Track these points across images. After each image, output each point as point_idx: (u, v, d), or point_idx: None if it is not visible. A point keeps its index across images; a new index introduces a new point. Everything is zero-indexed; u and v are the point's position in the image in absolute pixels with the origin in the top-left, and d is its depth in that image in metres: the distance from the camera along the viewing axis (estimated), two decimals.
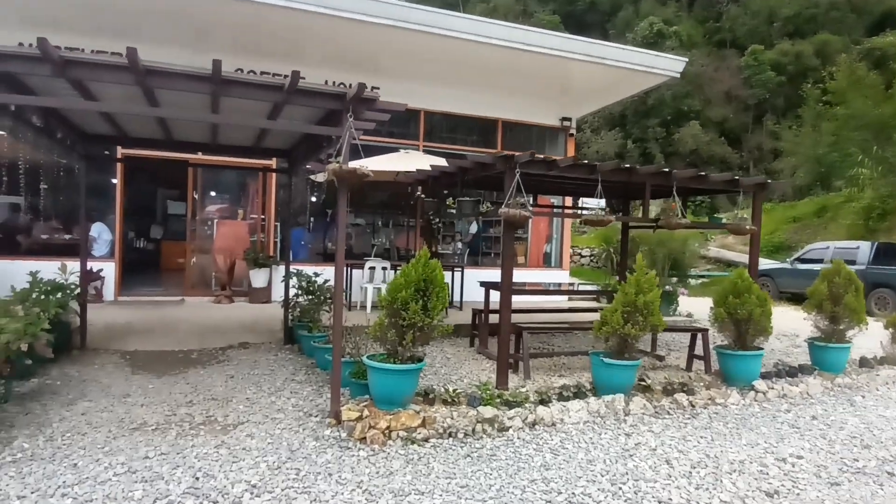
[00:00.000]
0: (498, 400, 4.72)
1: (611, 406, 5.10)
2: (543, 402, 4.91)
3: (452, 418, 4.43)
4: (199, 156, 9.90)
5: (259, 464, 3.79)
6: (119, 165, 9.76)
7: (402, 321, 4.33)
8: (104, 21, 8.36)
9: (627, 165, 6.11)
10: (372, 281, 9.75)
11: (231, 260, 10.19)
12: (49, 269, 7.08)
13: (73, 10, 8.14)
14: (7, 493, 3.22)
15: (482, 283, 7.51)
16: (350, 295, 10.16)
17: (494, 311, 7.51)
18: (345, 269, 4.40)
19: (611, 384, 5.31)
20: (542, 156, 5.55)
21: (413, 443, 4.20)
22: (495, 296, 7.25)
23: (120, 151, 9.52)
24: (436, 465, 3.90)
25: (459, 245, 12.55)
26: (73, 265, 7.19)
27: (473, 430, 4.41)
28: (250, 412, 4.86)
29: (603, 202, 13.77)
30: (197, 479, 3.53)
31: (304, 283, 7.60)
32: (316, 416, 4.72)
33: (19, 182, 9.50)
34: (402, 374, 4.35)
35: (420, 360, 4.52)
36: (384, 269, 9.81)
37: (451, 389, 4.76)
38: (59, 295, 6.47)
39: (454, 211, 11.66)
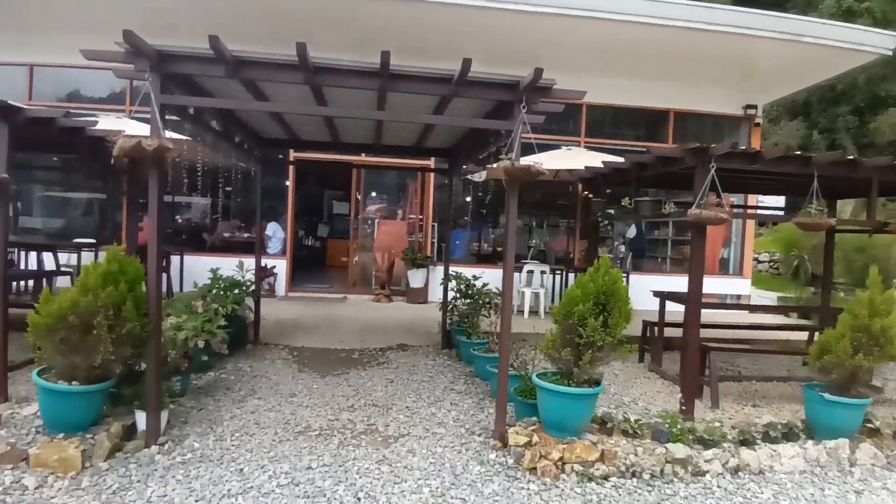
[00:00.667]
0: (690, 437, 4.02)
1: (833, 454, 4.15)
2: (746, 442, 4.11)
3: (636, 455, 3.83)
4: (363, 157, 10.12)
5: (422, 487, 3.49)
6: (291, 168, 10.26)
7: (578, 338, 3.81)
8: (277, 29, 8.74)
9: (851, 157, 5.03)
10: (530, 285, 9.29)
11: (390, 259, 10.29)
12: (229, 265, 7.52)
13: (250, 20, 8.60)
14: (171, 499, 3.21)
15: (657, 294, 6.72)
16: None
17: (669, 325, 6.71)
18: (506, 273, 3.96)
19: (831, 426, 4.34)
20: (742, 147, 4.71)
21: (590, 480, 3.67)
22: (670, 307, 6.46)
23: (292, 155, 10.01)
24: None
25: (622, 248, 11.66)
26: (249, 262, 7.57)
27: (661, 471, 3.77)
28: (410, 423, 4.63)
29: (783, 200, 11.98)
30: (358, 499, 3.31)
31: (462, 286, 7.35)
32: (479, 435, 4.36)
33: (205, 184, 10.35)
34: (578, 398, 3.83)
35: (598, 383, 3.97)
36: (542, 272, 9.30)
37: (632, 419, 4.14)
38: (236, 291, 6.80)
39: (612, 212, 10.85)
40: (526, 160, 3.91)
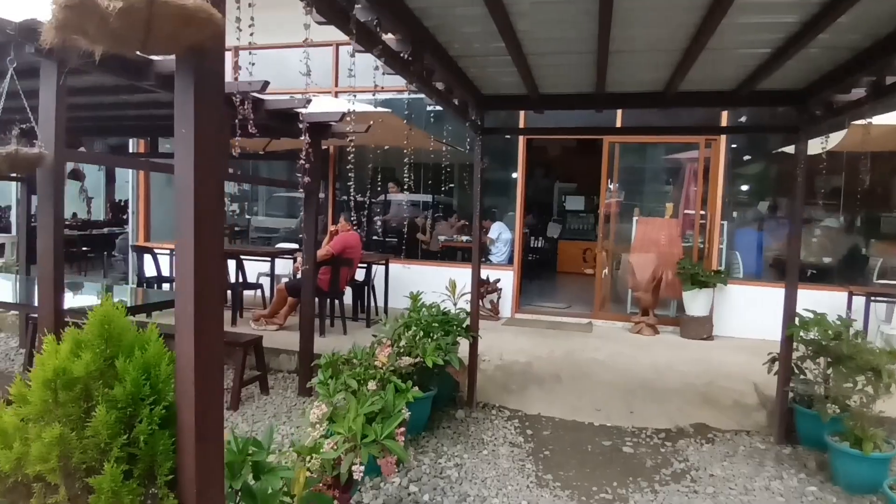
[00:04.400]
0: None
1: None
2: None
3: None
4: (617, 137, 7.31)
5: None
6: (521, 143, 7.74)
7: None
8: None
9: None
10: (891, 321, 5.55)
11: (656, 274, 7.24)
12: (445, 278, 5.35)
13: None
14: None
15: None
16: None
17: None
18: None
19: None
20: None
21: None
22: None
23: (521, 119, 7.53)
24: None
25: None
26: (466, 273, 5.28)
27: None
28: None
29: None
30: None
31: (818, 335, 4.14)
32: None
33: (417, 177, 8.40)
34: None
35: None
36: None
37: None
38: (443, 333, 4.48)
39: None
40: None
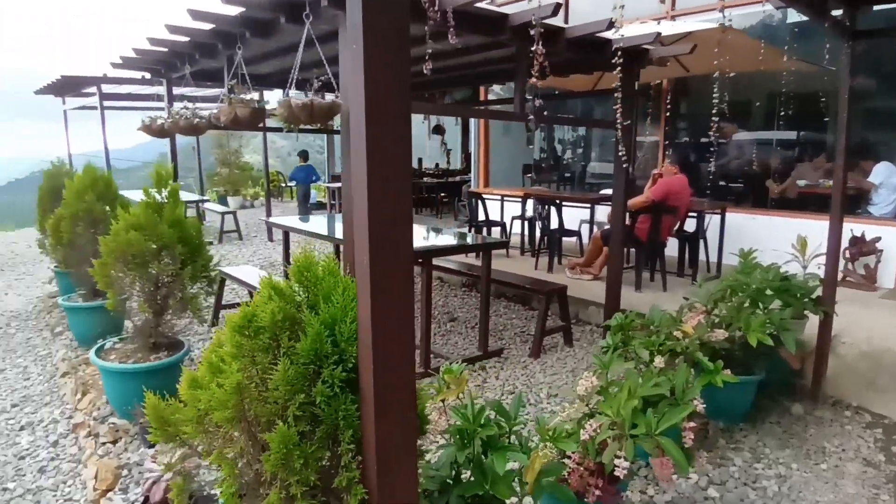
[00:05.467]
0: None
1: None
2: None
3: None
4: None
5: None
6: None
7: None
8: None
9: None
10: None
11: None
12: (792, 233, 4.28)
13: None
14: None
15: None
16: None
17: None
18: None
19: None
20: None
21: None
22: None
23: None
24: None
25: None
26: (820, 228, 4.08)
27: None
28: None
29: None
30: None
31: None
32: None
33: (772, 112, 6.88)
34: None
35: None
36: None
37: None
38: (780, 304, 3.54)
39: None
40: None
